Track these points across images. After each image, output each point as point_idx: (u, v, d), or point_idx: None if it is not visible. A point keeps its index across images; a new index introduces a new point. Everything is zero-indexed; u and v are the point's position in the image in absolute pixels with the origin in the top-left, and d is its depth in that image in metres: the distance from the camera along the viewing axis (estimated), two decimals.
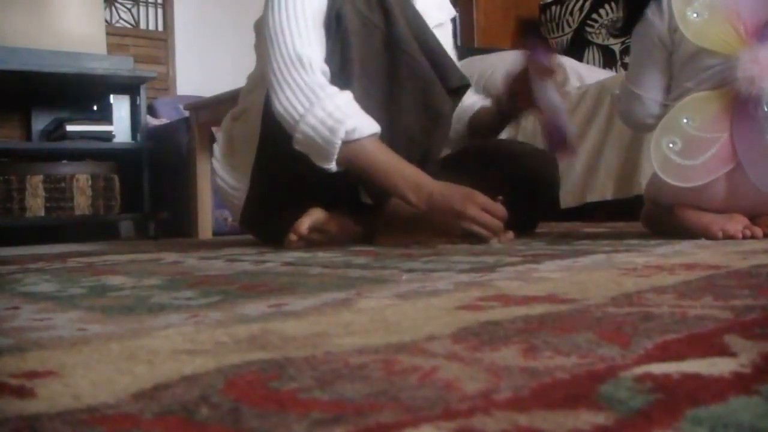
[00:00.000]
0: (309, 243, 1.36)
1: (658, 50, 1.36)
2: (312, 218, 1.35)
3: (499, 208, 1.27)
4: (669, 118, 1.26)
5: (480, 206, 1.25)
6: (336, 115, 1.27)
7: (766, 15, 1.22)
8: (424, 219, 1.31)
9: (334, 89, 1.31)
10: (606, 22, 3.20)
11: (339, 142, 1.28)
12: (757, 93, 1.19)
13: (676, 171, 1.24)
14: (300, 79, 1.30)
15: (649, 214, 1.47)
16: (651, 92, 1.38)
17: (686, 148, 1.24)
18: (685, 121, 1.25)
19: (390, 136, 1.36)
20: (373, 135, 1.31)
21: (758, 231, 1.23)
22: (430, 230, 1.32)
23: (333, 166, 1.31)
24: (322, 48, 1.35)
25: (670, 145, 1.24)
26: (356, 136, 1.28)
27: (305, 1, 1.34)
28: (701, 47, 1.27)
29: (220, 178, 1.57)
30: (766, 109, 1.19)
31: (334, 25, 1.35)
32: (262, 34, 1.40)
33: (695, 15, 1.26)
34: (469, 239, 1.28)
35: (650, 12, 1.37)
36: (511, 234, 1.33)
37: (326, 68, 1.34)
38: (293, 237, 1.34)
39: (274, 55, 1.34)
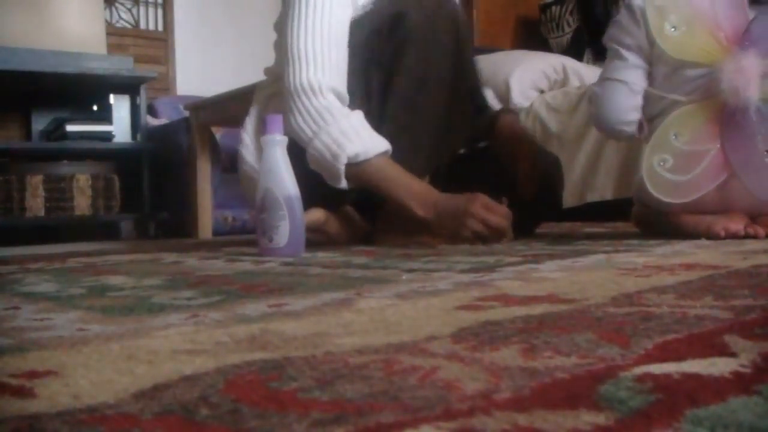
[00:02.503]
0: (309, 242, 1.36)
1: (636, 57, 1.34)
2: (310, 219, 1.35)
3: (503, 209, 1.28)
4: (657, 137, 1.25)
5: (484, 206, 1.26)
6: (340, 141, 1.29)
7: (745, 21, 1.21)
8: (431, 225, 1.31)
9: (342, 112, 1.31)
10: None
11: (342, 168, 1.29)
12: (743, 103, 1.18)
13: (671, 188, 1.24)
14: (309, 104, 1.32)
15: (640, 216, 1.47)
16: (634, 80, 1.34)
17: (678, 164, 1.23)
18: (673, 137, 1.23)
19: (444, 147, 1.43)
20: (381, 154, 1.32)
21: (760, 230, 1.23)
22: (432, 231, 1.32)
23: (344, 185, 1.33)
24: (340, 66, 1.35)
25: (661, 164, 1.23)
26: (361, 159, 1.30)
27: (326, 17, 1.34)
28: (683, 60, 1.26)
29: (249, 153, 1.52)
30: (754, 118, 1.18)
31: (389, 27, 1.36)
32: (281, 38, 1.40)
33: (673, 29, 1.23)
34: (474, 242, 1.28)
35: (625, 20, 1.35)
36: (510, 235, 1.33)
37: (340, 88, 1.34)
38: None
39: (288, 78, 1.35)
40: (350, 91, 1.38)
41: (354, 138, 1.29)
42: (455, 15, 1.40)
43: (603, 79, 1.40)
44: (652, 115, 1.35)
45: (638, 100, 1.35)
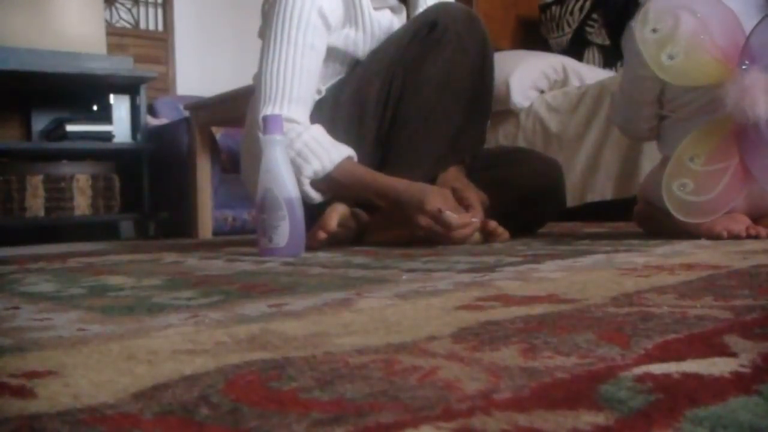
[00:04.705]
0: (334, 239, 1.35)
1: (648, 68, 1.35)
2: (339, 213, 1.35)
3: (457, 218, 1.25)
4: (673, 163, 1.24)
5: (428, 216, 1.25)
6: (297, 163, 1.31)
7: (742, 36, 1.19)
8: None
9: (296, 131, 1.33)
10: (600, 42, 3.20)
11: (308, 188, 1.33)
12: (753, 121, 1.17)
13: (695, 210, 1.22)
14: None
15: (643, 214, 1.47)
16: (646, 101, 1.39)
17: (699, 186, 1.22)
18: (690, 161, 1.22)
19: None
20: (344, 161, 1.34)
21: (762, 230, 1.22)
22: (395, 221, 1.35)
23: (317, 200, 1.35)
24: (303, 96, 1.38)
25: (682, 188, 1.22)
26: (321, 174, 1.33)
27: (298, 50, 1.36)
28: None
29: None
30: (766, 130, 1.17)
31: (426, 32, 1.39)
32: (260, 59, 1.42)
33: (670, 59, 1.21)
34: (429, 236, 1.29)
35: (636, 28, 1.36)
36: (476, 238, 1.33)
37: (296, 117, 1.36)
38: (323, 235, 1.31)
39: (250, 112, 1.41)
40: (367, 92, 1.41)
41: (310, 157, 1.32)
42: (484, 33, 1.44)
43: (621, 85, 1.44)
44: (665, 112, 1.39)
45: (653, 109, 1.39)
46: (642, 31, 1.23)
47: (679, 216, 1.23)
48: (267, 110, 1.35)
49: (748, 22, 1.20)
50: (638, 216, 1.50)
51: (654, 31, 1.22)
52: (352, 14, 1.44)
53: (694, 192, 1.22)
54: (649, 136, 1.48)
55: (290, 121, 1.34)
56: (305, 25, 1.36)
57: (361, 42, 1.47)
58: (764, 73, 1.16)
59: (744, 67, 1.18)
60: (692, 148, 1.23)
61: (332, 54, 1.46)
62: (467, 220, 1.27)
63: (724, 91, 1.18)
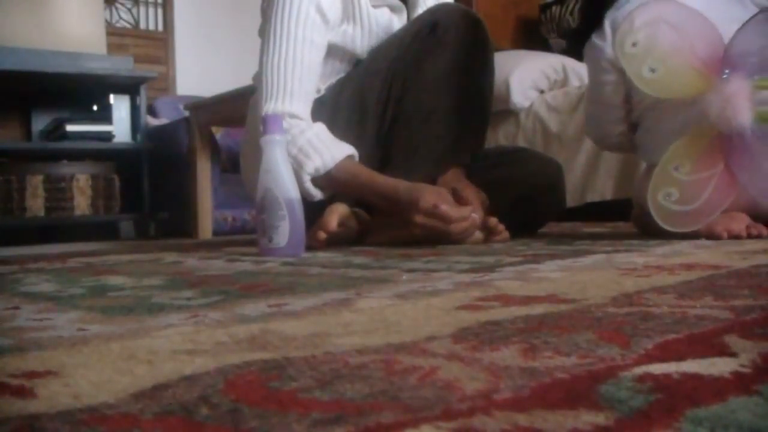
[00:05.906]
0: (334, 239, 1.35)
1: (608, 74, 1.38)
2: (339, 213, 1.35)
3: (457, 211, 1.25)
4: (658, 172, 1.23)
5: (424, 213, 1.25)
6: (299, 159, 1.31)
7: (722, 45, 1.19)
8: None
9: (299, 128, 1.33)
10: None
11: (308, 184, 1.33)
12: (738, 130, 1.16)
13: (681, 219, 1.22)
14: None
15: (640, 218, 1.46)
16: (612, 103, 1.43)
17: (684, 196, 1.21)
18: (674, 170, 1.22)
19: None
20: (345, 159, 1.34)
21: (763, 229, 1.22)
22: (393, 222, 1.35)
23: (317, 197, 1.35)
24: (305, 93, 1.38)
25: (667, 197, 1.22)
26: (322, 171, 1.33)
27: (298, 47, 1.37)
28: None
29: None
30: (752, 140, 1.16)
31: (427, 32, 1.40)
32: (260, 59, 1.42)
33: (651, 72, 1.21)
34: (427, 236, 1.29)
35: (595, 36, 1.39)
36: (478, 237, 1.33)
37: (299, 113, 1.36)
38: (323, 235, 1.31)
39: (251, 112, 1.42)
40: (368, 92, 1.41)
41: (312, 153, 1.32)
42: (485, 34, 1.45)
43: (587, 93, 1.50)
44: (635, 118, 1.42)
45: (621, 112, 1.43)
46: (622, 45, 1.23)
47: (666, 226, 1.22)
48: (269, 107, 1.34)
49: (726, 25, 1.20)
50: (635, 220, 1.50)
51: (634, 44, 1.22)
52: (350, 10, 1.45)
53: (680, 201, 1.21)
54: (620, 142, 1.49)
55: (293, 116, 1.34)
56: (303, 20, 1.37)
57: (359, 38, 1.47)
58: (745, 81, 1.16)
59: (725, 76, 1.18)
60: (677, 156, 1.22)
61: (331, 51, 1.46)
62: (465, 212, 1.27)
63: (706, 102, 1.18)
